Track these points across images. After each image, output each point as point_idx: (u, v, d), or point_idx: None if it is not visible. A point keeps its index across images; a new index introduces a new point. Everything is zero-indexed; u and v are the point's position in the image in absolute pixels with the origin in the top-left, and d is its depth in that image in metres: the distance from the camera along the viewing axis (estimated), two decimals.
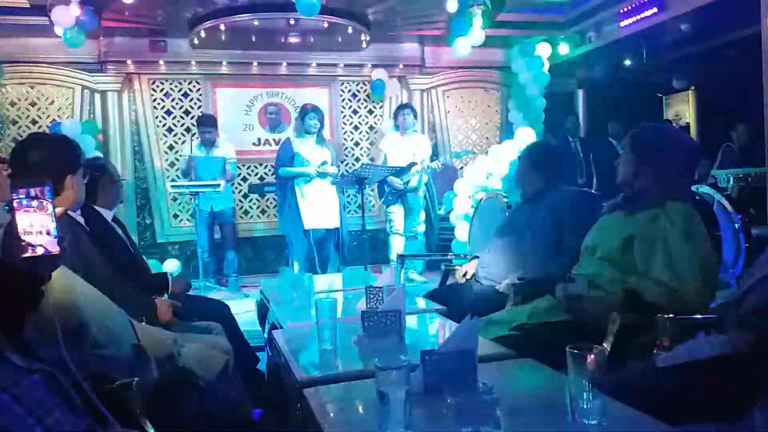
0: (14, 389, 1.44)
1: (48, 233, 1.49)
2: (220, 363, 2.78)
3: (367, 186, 6.79)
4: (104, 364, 2.08)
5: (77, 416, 1.53)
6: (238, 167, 8.36)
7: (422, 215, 7.95)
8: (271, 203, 8.68)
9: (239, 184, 8.55)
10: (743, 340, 1.94)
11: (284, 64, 8.61)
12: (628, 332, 2.44)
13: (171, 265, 7.79)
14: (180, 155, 7.87)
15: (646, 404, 1.67)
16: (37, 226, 1.48)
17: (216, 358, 2.81)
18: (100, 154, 7.59)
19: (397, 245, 7.58)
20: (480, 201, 5.37)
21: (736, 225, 3.19)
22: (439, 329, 2.93)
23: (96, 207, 3.57)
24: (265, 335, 3.84)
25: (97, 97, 8.15)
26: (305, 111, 6.76)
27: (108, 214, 3.70)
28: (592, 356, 1.55)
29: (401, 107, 7.72)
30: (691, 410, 1.84)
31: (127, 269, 3.34)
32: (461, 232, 7.60)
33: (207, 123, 7.47)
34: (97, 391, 1.66)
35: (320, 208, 6.79)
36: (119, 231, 3.76)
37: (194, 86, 8.49)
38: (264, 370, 3.84)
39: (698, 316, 2.40)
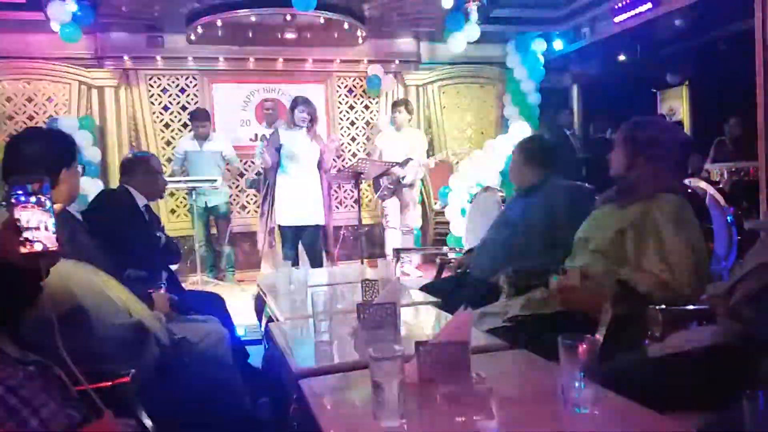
0: (10, 381, 1.45)
1: (46, 229, 1.50)
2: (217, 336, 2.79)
3: (363, 181, 6.77)
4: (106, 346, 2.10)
5: (72, 408, 1.55)
6: None
7: (418, 210, 7.97)
8: None
9: (236, 179, 8.56)
10: (733, 330, 1.96)
11: (281, 59, 8.59)
12: (620, 323, 2.46)
13: None
14: (175, 151, 7.85)
15: (637, 394, 1.68)
16: (34, 221, 1.49)
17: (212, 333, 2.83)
18: (98, 150, 7.63)
19: (393, 239, 7.61)
20: (475, 195, 5.38)
21: (728, 218, 3.21)
22: (433, 321, 2.95)
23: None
24: (262, 328, 3.86)
25: (94, 92, 8.13)
26: (295, 103, 6.55)
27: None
28: (585, 347, 1.57)
29: (395, 104, 7.75)
30: (682, 400, 1.85)
31: (129, 261, 3.37)
32: (456, 226, 7.62)
33: (200, 117, 7.50)
34: (93, 382, 1.67)
35: (298, 204, 6.52)
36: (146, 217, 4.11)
37: (191, 82, 8.48)
38: (257, 364, 3.87)
39: (690, 307, 2.42)
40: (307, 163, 6.49)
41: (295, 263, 5.72)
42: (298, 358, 2.29)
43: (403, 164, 7.23)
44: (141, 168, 4.24)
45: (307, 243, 6.58)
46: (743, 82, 5.59)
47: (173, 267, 4.39)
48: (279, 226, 6.65)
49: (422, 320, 3.05)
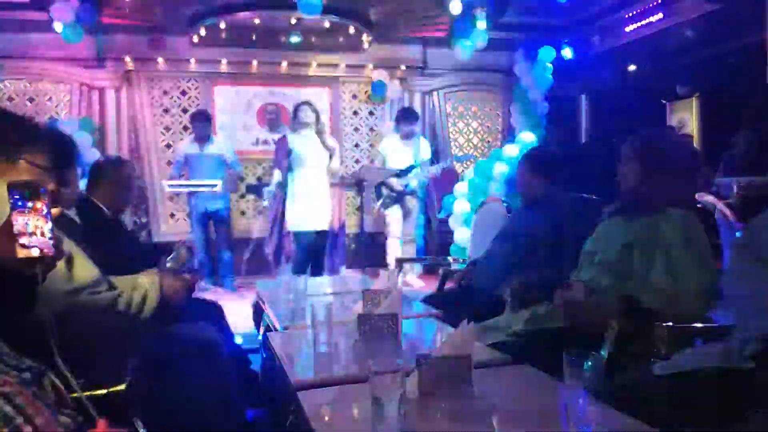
0: (4, 388, 1.42)
1: (42, 234, 1.47)
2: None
3: (366, 188, 6.71)
4: None
5: (67, 416, 1.52)
6: None
7: (421, 219, 7.92)
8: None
9: (237, 184, 8.52)
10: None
11: (284, 63, 8.57)
12: (625, 339, 2.42)
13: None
14: (174, 154, 7.81)
15: (643, 412, 1.65)
16: (31, 226, 1.47)
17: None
18: (98, 152, 7.59)
19: (394, 248, 7.55)
20: (480, 205, 5.33)
21: (737, 233, 3.16)
22: (435, 334, 2.91)
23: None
24: (260, 337, 3.81)
25: (95, 93, 8.12)
26: (297, 105, 6.57)
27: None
28: (589, 363, 1.53)
29: (409, 119, 7.64)
30: (688, 419, 1.82)
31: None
32: (460, 236, 7.58)
33: (201, 118, 7.41)
34: (88, 389, 1.65)
35: (309, 209, 6.48)
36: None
37: (193, 84, 8.47)
38: (257, 372, 3.82)
39: (697, 325, 2.38)
40: (315, 166, 6.44)
41: (305, 270, 5.69)
42: (297, 369, 2.25)
43: (406, 172, 7.18)
44: (110, 175, 3.87)
45: (315, 248, 6.56)
46: (754, 95, 5.56)
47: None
48: (291, 232, 6.58)
49: (424, 333, 3.02)
